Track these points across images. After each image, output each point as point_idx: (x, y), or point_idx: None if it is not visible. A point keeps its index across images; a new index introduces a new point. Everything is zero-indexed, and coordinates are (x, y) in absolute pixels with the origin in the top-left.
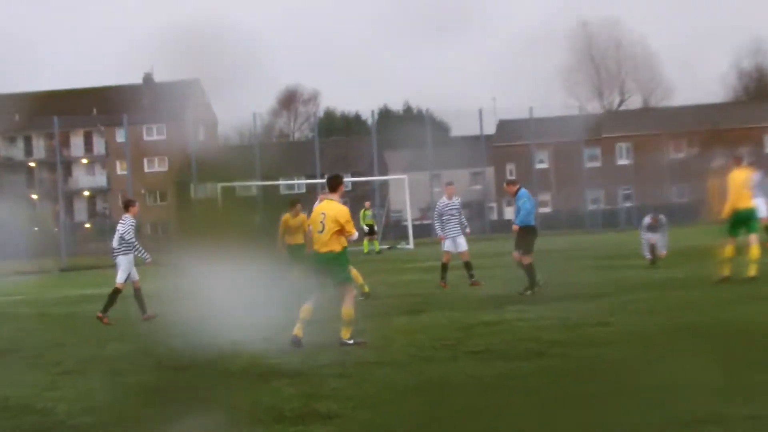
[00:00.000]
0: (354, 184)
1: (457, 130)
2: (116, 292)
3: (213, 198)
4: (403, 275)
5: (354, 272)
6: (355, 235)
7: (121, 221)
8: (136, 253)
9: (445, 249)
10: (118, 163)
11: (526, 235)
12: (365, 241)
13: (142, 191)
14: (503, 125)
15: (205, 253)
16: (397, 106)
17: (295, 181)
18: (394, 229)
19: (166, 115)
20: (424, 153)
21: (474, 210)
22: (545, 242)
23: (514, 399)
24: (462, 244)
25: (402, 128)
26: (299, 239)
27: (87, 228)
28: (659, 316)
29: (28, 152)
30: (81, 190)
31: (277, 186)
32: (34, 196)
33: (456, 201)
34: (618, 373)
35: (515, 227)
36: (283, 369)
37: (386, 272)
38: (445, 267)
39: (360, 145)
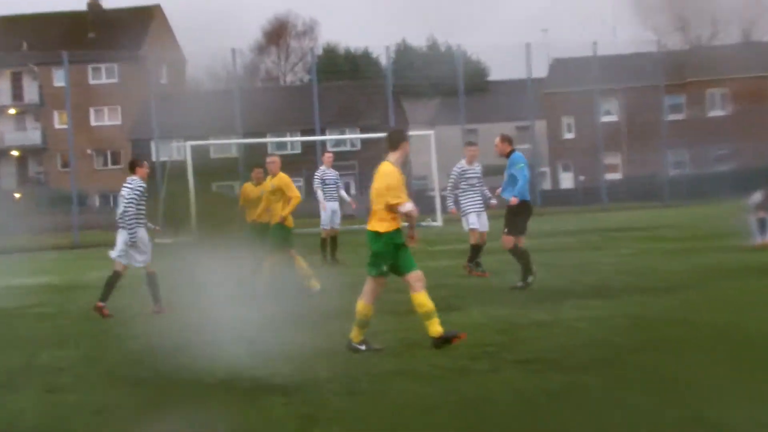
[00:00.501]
0: (363, 142)
1: (498, 72)
2: (116, 276)
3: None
4: (429, 261)
5: (299, 261)
6: (407, 205)
7: (126, 184)
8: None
9: (471, 226)
10: (56, 115)
11: (520, 211)
12: None
13: (89, 151)
14: (558, 66)
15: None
16: (418, 40)
17: (288, 138)
18: (417, 202)
19: (118, 52)
20: (454, 102)
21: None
22: (610, 219)
23: (574, 421)
24: (483, 223)
25: (426, 70)
26: (265, 216)
27: (16, 198)
28: (758, 313)
29: None
30: (8, 150)
31: (264, 145)
32: None
33: (478, 168)
34: (707, 389)
35: (513, 200)
36: (273, 382)
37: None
38: (476, 249)
39: (371, 92)
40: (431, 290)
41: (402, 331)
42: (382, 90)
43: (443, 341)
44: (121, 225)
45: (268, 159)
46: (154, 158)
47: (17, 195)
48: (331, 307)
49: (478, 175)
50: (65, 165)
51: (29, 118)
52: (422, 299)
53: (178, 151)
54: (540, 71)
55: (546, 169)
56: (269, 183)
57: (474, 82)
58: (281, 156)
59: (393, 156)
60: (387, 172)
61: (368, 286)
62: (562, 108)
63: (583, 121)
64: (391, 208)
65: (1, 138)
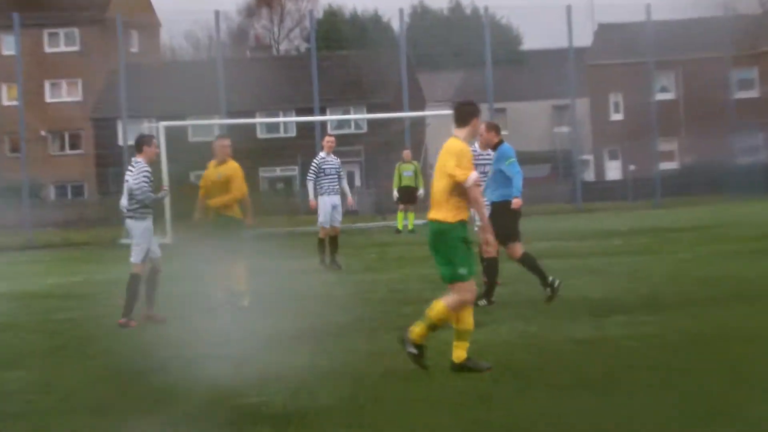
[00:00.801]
0: (370, 124)
1: (533, 40)
2: (135, 279)
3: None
4: None
5: (239, 271)
6: (471, 177)
7: (129, 169)
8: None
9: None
10: (3, 89)
11: (507, 214)
12: (399, 213)
13: (43, 133)
14: (605, 33)
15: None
16: (438, 2)
17: (281, 119)
18: None
19: (79, 14)
20: (480, 76)
21: (558, 164)
22: (665, 217)
23: None
24: None
25: (447, 37)
26: (231, 208)
27: None
28: None
29: None
30: None
31: (252, 126)
32: None
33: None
34: None
35: (517, 201)
36: (263, 410)
37: (422, 262)
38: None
39: (381, 64)
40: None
41: None
42: (395, 61)
43: (466, 368)
44: (128, 217)
45: (218, 141)
46: (120, 142)
47: None
48: (331, 321)
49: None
50: (14, 149)
51: None
52: (463, 316)
53: (150, 133)
54: (583, 39)
55: (589, 157)
56: (215, 171)
57: (504, 53)
58: (275, 139)
59: (461, 133)
60: (456, 149)
61: (457, 293)
62: (608, 83)
63: (633, 99)
64: (458, 187)
65: None
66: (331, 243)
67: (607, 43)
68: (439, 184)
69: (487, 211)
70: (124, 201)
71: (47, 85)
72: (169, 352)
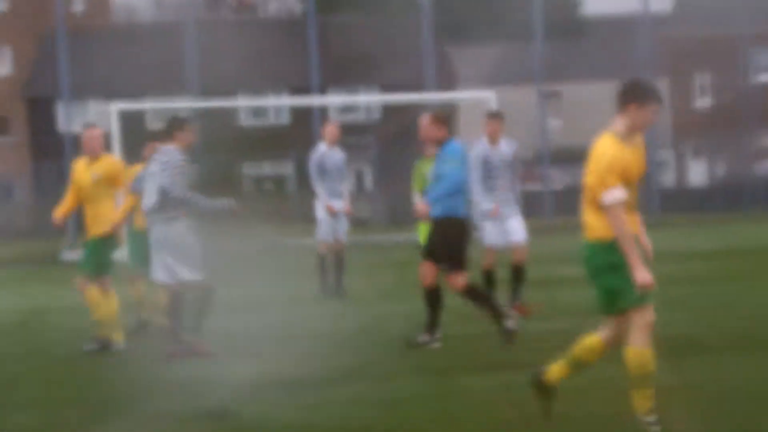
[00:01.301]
0: (385, 109)
1: (595, 4)
2: (177, 299)
3: None
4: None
5: (136, 289)
6: (609, 195)
7: (157, 158)
8: (195, 208)
9: (488, 242)
10: None
11: (450, 233)
12: (422, 224)
13: None
14: None
15: None
16: None
17: (270, 101)
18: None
19: None
20: (527, 50)
21: None
22: (763, 233)
23: None
24: (518, 229)
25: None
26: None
27: None
28: None
29: None
30: None
31: (232, 111)
32: None
33: (509, 147)
34: None
35: (421, 207)
36: None
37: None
38: (489, 276)
39: (398, 33)
40: (482, 339)
41: (440, 396)
42: (416, 30)
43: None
44: (156, 221)
45: (88, 132)
46: (62, 128)
47: None
48: (334, 365)
49: (510, 159)
50: None
51: None
52: (643, 357)
53: (99, 117)
54: (660, 4)
55: (667, 155)
56: (87, 171)
57: (558, 20)
58: (263, 127)
59: (620, 122)
60: (597, 151)
61: (614, 327)
62: (693, 61)
63: (725, 80)
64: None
65: None
66: (335, 262)
67: (692, 9)
68: (587, 192)
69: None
70: (150, 202)
71: None
72: (127, 398)
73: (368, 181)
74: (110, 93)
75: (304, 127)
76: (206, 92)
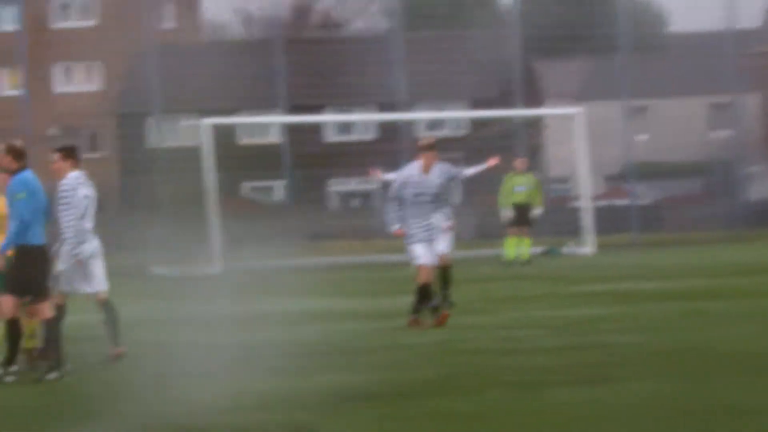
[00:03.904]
0: (474, 124)
1: (682, 21)
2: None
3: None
4: (571, 307)
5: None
6: None
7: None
8: None
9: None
10: (2, 75)
11: (26, 262)
12: (510, 239)
13: (51, 131)
14: None
15: None
16: None
17: (357, 117)
18: (557, 215)
19: None
20: (613, 66)
21: (715, 179)
22: None
23: None
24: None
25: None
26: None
27: None
28: None
29: None
30: None
31: (318, 126)
32: None
33: (439, 175)
34: None
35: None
36: None
37: (539, 302)
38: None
39: (486, 49)
40: (572, 352)
41: (523, 411)
42: (504, 46)
43: None
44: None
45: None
46: (153, 143)
47: None
48: (418, 378)
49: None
50: None
51: None
52: None
53: (190, 133)
54: (749, 20)
55: (757, 169)
56: None
57: (645, 36)
58: (348, 143)
59: None
60: None
61: None
62: None
63: None
64: None
65: None
66: (441, 276)
67: None
68: None
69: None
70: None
71: (57, 69)
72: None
73: (455, 195)
74: (200, 109)
75: (390, 142)
76: (295, 107)
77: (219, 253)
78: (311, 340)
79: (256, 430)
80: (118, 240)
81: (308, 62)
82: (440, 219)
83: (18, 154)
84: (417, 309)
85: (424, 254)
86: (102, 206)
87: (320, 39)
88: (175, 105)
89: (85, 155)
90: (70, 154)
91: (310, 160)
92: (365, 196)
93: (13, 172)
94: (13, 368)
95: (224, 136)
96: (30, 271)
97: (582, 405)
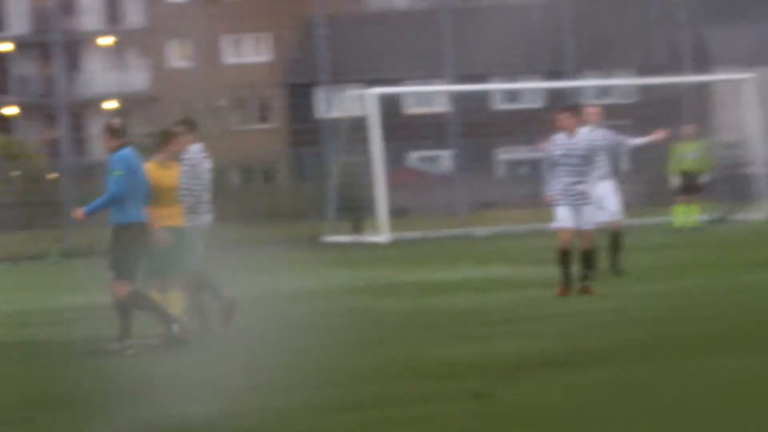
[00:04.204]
0: (642, 91)
1: None
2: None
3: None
4: (744, 273)
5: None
6: None
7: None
8: None
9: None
10: (171, 46)
11: (123, 239)
12: (679, 206)
13: (221, 102)
14: None
15: None
16: None
17: (522, 84)
18: (727, 182)
19: None
20: None
21: None
22: None
23: None
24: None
25: None
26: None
27: None
28: None
29: None
30: (98, 99)
31: (484, 94)
32: None
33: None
34: None
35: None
36: None
37: (711, 269)
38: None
39: (654, 15)
40: (748, 317)
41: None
42: (670, 11)
43: None
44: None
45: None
46: (321, 114)
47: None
48: (591, 347)
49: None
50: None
51: (131, 51)
52: None
53: (356, 102)
54: None
55: None
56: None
57: None
58: (516, 111)
59: None
60: None
61: None
62: None
63: None
64: None
65: (89, 81)
66: (611, 243)
67: None
68: None
69: None
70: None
71: (225, 40)
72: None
73: (624, 163)
74: (367, 78)
75: (558, 110)
76: (461, 76)
77: (386, 222)
78: (488, 308)
79: (436, 397)
80: (290, 209)
81: (475, 31)
82: (588, 184)
83: (116, 133)
84: (584, 276)
85: (565, 218)
86: (271, 176)
87: (486, 7)
88: (343, 75)
89: (254, 126)
90: (193, 127)
91: (477, 129)
92: (533, 164)
93: (114, 150)
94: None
95: (391, 106)
96: (125, 249)
97: (757, 373)
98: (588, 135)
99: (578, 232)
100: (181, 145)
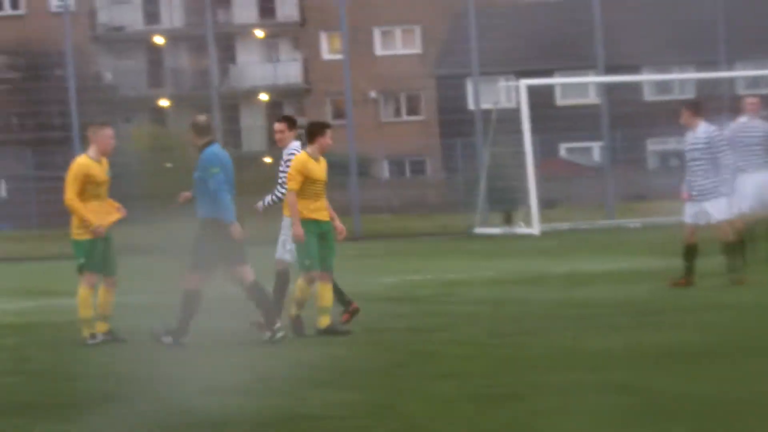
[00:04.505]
0: None
1: None
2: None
3: None
4: None
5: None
6: None
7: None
8: None
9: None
10: (323, 39)
11: (209, 233)
12: None
13: (373, 95)
14: None
15: None
16: None
17: (675, 75)
18: None
19: None
20: None
21: None
22: None
23: None
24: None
25: None
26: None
27: (267, 163)
28: None
29: None
30: (252, 92)
31: (637, 85)
32: None
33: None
34: None
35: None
36: None
37: None
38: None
39: None
40: None
41: None
42: None
43: None
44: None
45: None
46: (471, 105)
47: (268, 160)
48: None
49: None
50: (338, 115)
51: (283, 43)
52: None
53: (507, 93)
54: None
55: None
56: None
57: None
58: (667, 102)
59: None
60: None
61: None
62: None
63: None
64: None
65: (242, 74)
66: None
67: None
68: None
69: None
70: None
71: (377, 33)
72: None
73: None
74: (517, 69)
75: (709, 101)
76: (611, 67)
77: (537, 213)
78: (636, 299)
79: (589, 388)
80: (440, 201)
81: (626, 21)
82: (715, 179)
83: (201, 130)
84: (732, 268)
85: (690, 213)
86: (422, 168)
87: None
88: (493, 66)
89: (404, 118)
90: (293, 124)
91: (629, 120)
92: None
93: (201, 148)
94: (279, 326)
95: (541, 97)
96: (209, 243)
97: None
98: (707, 130)
99: (711, 227)
100: (282, 142)
